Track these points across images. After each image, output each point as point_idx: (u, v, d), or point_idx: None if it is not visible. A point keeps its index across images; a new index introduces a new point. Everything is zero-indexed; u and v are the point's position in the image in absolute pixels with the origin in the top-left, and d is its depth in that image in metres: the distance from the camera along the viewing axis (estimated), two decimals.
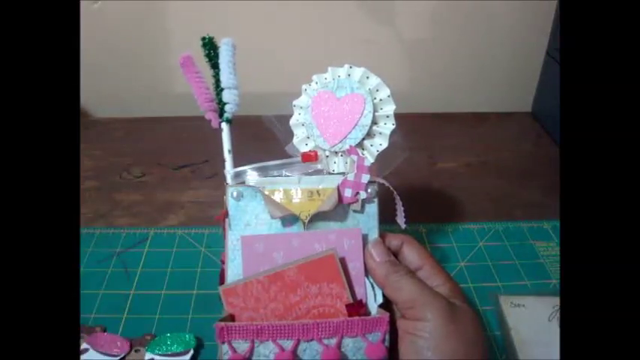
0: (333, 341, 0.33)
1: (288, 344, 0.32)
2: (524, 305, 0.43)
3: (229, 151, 0.36)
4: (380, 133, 0.36)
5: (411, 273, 0.34)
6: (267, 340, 0.32)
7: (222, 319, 0.33)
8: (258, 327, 0.32)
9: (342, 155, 0.37)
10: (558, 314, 0.42)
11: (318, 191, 0.35)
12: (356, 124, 0.36)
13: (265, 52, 0.70)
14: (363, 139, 0.36)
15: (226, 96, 0.35)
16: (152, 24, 0.71)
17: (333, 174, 0.37)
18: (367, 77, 0.36)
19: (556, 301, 0.43)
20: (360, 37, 0.72)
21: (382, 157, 0.36)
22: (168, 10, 0.70)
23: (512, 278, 0.47)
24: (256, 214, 0.35)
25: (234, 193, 0.35)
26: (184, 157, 0.66)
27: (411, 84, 0.77)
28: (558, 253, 0.50)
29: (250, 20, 0.70)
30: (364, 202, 0.36)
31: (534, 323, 0.42)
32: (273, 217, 0.35)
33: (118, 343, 0.40)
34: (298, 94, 0.38)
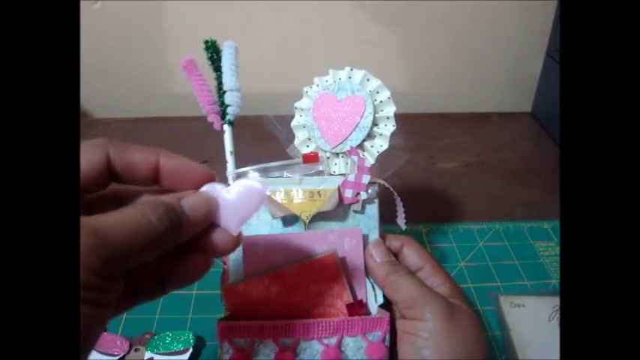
0: (334, 340, 0.33)
1: (289, 343, 0.33)
2: (524, 305, 0.43)
3: (231, 153, 0.37)
4: (380, 135, 0.36)
5: (411, 273, 0.34)
6: (268, 339, 0.32)
7: (223, 318, 0.33)
8: (259, 326, 0.32)
9: (342, 157, 0.37)
10: (558, 314, 0.42)
11: (319, 192, 0.36)
12: (356, 126, 0.36)
13: (266, 52, 0.70)
14: (364, 140, 0.36)
15: (228, 98, 0.35)
16: (152, 24, 0.71)
17: (334, 175, 0.37)
18: (368, 79, 0.36)
19: (556, 301, 0.43)
20: (360, 37, 0.72)
21: (383, 158, 0.37)
22: (168, 10, 0.70)
23: (513, 278, 0.47)
24: (257, 214, 0.36)
25: None
26: (184, 157, 0.65)
27: (411, 84, 0.77)
28: (558, 253, 0.50)
29: (251, 21, 0.70)
30: (365, 202, 0.36)
31: (534, 323, 0.42)
32: (274, 217, 0.35)
33: (118, 343, 0.40)
34: (299, 95, 0.38)
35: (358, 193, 0.35)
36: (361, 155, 0.36)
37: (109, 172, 0.24)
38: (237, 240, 0.25)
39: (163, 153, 0.25)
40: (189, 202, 0.23)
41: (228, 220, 0.25)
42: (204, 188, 0.25)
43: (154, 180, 0.25)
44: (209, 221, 0.24)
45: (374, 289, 0.35)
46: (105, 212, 0.21)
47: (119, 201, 0.25)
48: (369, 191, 0.36)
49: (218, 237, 0.24)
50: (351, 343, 0.33)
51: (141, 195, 0.26)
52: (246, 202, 0.25)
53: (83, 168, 0.23)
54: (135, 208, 0.21)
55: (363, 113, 0.36)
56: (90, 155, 0.23)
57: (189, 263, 0.24)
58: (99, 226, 0.19)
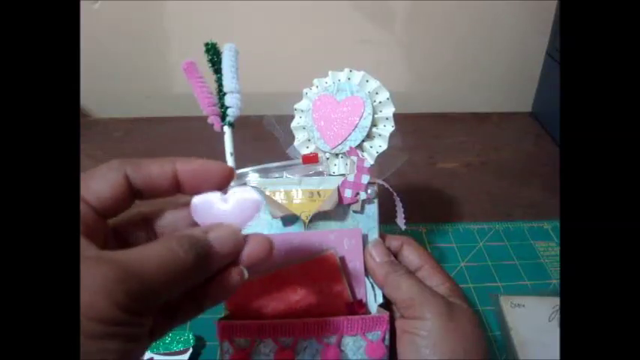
0: (333, 340, 0.33)
1: (289, 343, 0.33)
2: (524, 305, 0.44)
3: (231, 154, 0.37)
4: (379, 135, 0.36)
5: (410, 273, 0.34)
6: (268, 339, 0.33)
7: (223, 318, 0.33)
8: (259, 325, 0.32)
9: (342, 157, 0.37)
10: (558, 314, 0.42)
11: (318, 192, 0.36)
12: (356, 127, 0.36)
13: (266, 52, 0.70)
14: (363, 140, 0.36)
15: (229, 100, 0.35)
16: (152, 24, 0.71)
17: (333, 175, 0.37)
18: (367, 80, 0.36)
19: (556, 301, 0.43)
20: (360, 37, 0.72)
21: (383, 159, 0.37)
22: (168, 10, 0.70)
23: (513, 278, 0.47)
24: (258, 214, 0.35)
25: None
26: (184, 157, 0.65)
27: (411, 84, 0.77)
28: (558, 253, 0.50)
29: (250, 21, 0.70)
30: (364, 202, 0.36)
31: (534, 323, 0.42)
32: (274, 217, 0.35)
33: None
34: (298, 96, 0.39)
35: (358, 193, 0.35)
36: (360, 156, 0.36)
37: (130, 192, 0.23)
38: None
39: (179, 160, 0.24)
40: (215, 234, 0.22)
41: None
42: (197, 198, 0.24)
43: (175, 189, 0.24)
44: (237, 254, 0.23)
45: (373, 289, 0.35)
46: (136, 237, 0.21)
47: (149, 225, 0.25)
48: (369, 191, 0.36)
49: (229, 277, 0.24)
50: (350, 343, 0.33)
51: (166, 213, 0.25)
52: (242, 210, 0.25)
53: (103, 191, 0.22)
54: (161, 242, 0.21)
55: (363, 114, 0.36)
56: (108, 177, 0.23)
57: (223, 277, 0.24)
58: (124, 259, 0.19)
